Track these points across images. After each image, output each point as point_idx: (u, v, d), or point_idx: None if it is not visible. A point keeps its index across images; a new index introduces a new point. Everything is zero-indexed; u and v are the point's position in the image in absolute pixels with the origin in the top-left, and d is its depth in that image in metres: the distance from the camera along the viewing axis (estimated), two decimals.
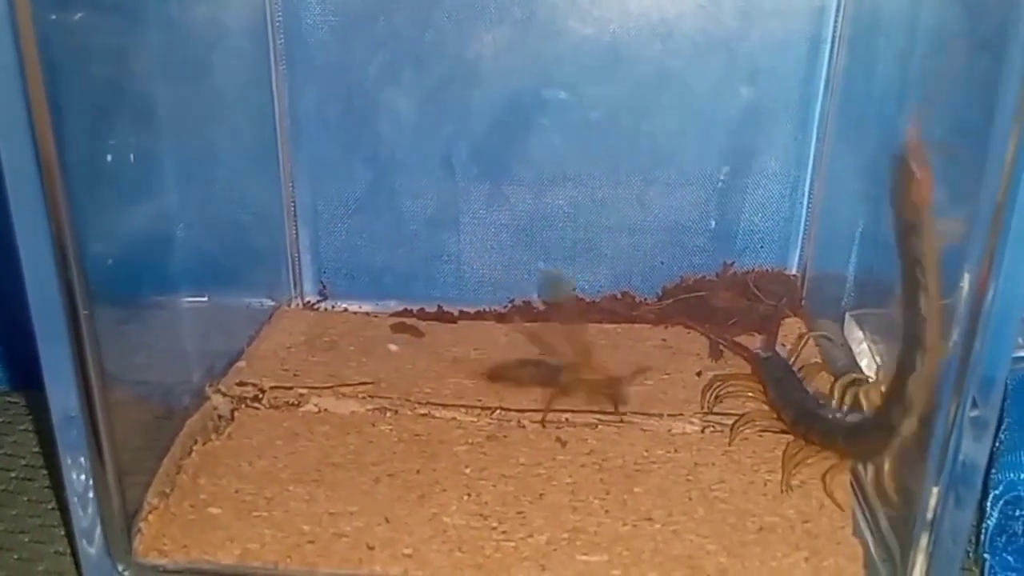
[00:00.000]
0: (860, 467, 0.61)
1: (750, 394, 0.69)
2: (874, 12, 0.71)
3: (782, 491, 0.61)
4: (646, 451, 0.65)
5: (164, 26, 0.65)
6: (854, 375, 0.65)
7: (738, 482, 0.62)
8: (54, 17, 0.48)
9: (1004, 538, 0.57)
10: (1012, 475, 0.58)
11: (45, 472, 0.70)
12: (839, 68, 0.75)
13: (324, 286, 0.87)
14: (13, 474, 0.70)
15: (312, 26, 0.78)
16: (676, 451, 0.65)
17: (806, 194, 0.81)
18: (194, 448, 0.65)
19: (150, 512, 0.58)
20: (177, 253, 0.67)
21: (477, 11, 0.75)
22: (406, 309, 0.86)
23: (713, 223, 0.82)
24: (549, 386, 0.69)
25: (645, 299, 0.85)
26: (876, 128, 0.69)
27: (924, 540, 0.52)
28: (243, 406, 0.71)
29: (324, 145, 0.83)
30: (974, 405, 0.48)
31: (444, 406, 0.70)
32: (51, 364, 0.51)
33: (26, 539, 0.63)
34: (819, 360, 0.74)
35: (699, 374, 0.75)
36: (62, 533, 0.63)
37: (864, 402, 0.61)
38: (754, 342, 0.77)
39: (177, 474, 0.62)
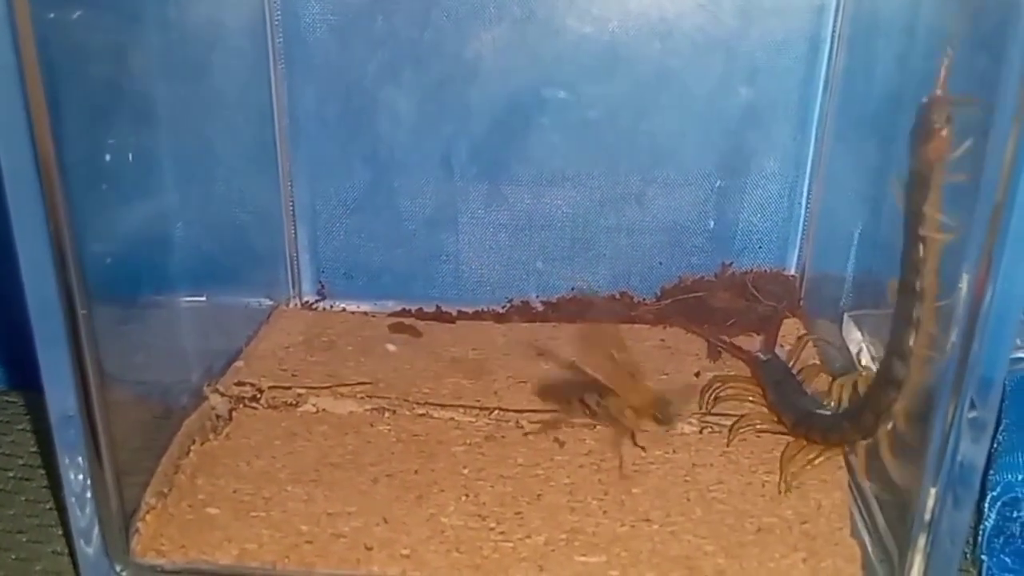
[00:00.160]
0: (859, 468, 0.61)
1: (749, 396, 0.69)
2: (873, 12, 0.71)
3: (780, 492, 0.61)
4: (644, 451, 0.65)
5: (162, 25, 0.65)
6: (851, 374, 0.65)
7: (736, 483, 0.62)
8: (52, 16, 0.48)
9: (1002, 539, 0.57)
10: (1010, 476, 0.58)
11: (43, 472, 0.70)
12: (838, 68, 0.75)
13: (322, 286, 0.87)
14: (11, 474, 0.70)
15: (311, 25, 0.78)
16: (674, 452, 0.65)
17: (805, 194, 0.81)
18: (192, 448, 0.65)
19: (148, 512, 0.58)
20: (175, 253, 0.67)
21: (476, 10, 0.75)
22: (404, 309, 0.86)
23: (712, 223, 0.82)
24: (592, 411, 0.65)
25: (644, 299, 0.85)
26: (875, 128, 0.69)
27: (922, 541, 0.52)
28: (241, 406, 0.70)
29: (323, 144, 0.83)
30: (972, 406, 0.48)
31: (442, 406, 0.70)
32: (49, 364, 0.51)
33: (24, 539, 0.63)
34: (818, 361, 0.74)
35: (697, 375, 0.75)
36: (60, 533, 0.63)
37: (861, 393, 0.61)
38: (753, 342, 0.78)
39: (175, 474, 0.62)
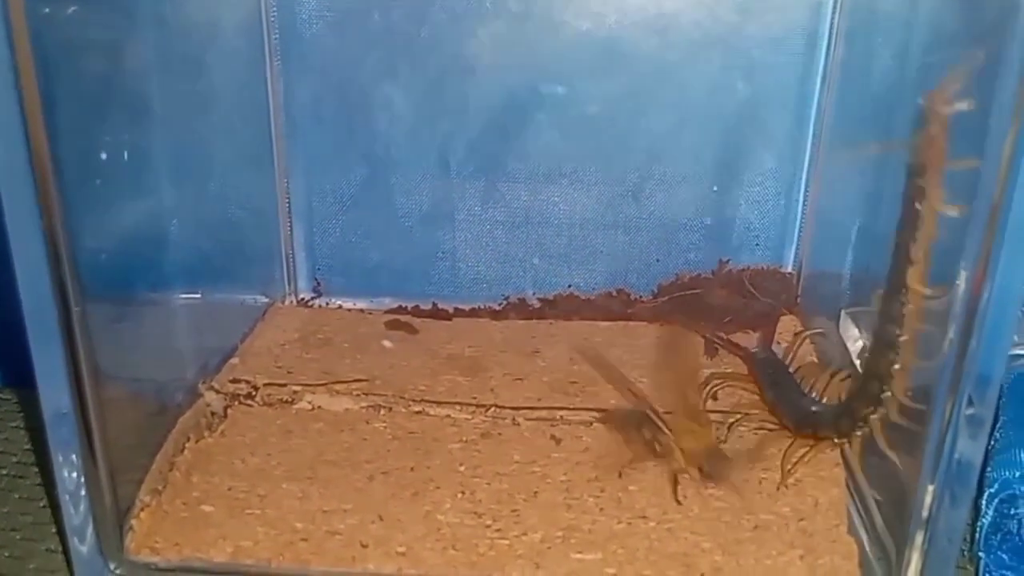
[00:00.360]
0: (856, 466, 0.61)
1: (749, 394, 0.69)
2: (871, 6, 0.71)
3: (777, 489, 0.60)
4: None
5: (158, 21, 0.64)
6: (846, 369, 0.65)
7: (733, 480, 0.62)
8: (47, 11, 0.48)
9: (999, 536, 0.57)
10: (1007, 473, 0.58)
11: (36, 469, 0.69)
12: (836, 63, 0.75)
13: (318, 283, 0.87)
14: (4, 471, 0.70)
15: (307, 21, 0.78)
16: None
17: (802, 191, 0.80)
18: (187, 445, 0.65)
19: (142, 510, 0.58)
20: (171, 249, 0.67)
21: (473, 6, 0.75)
22: (401, 306, 0.85)
23: (709, 220, 0.82)
24: (648, 447, 0.62)
25: (641, 297, 0.85)
26: (874, 124, 0.69)
27: (919, 538, 0.52)
28: (236, 403, 0.70)
29: (319, 141, 0.82)
30: (970, 403, 0.48)
31: (438, 403, 0.70)
32: (43, 360, 0.50)
33: (17, 536, 0.63)
34: (815, 358, 0.73)
35: None
36: (54, 531, 0.63)
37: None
38: (749, 340, 0.77)
39: (170, 471, 0.62)
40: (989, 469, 0.58)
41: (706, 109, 0.78)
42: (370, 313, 0.85)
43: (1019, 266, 0.46)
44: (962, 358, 0.48)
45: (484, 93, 0.79)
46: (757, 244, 0.83)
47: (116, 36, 0.59)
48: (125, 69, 0.60)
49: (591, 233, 0.83)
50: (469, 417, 0.69)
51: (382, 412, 0.69)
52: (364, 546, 0.56)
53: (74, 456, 0.53)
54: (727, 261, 0.83)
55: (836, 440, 0.61)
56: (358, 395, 0.71)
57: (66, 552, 0.57)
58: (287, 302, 0.87)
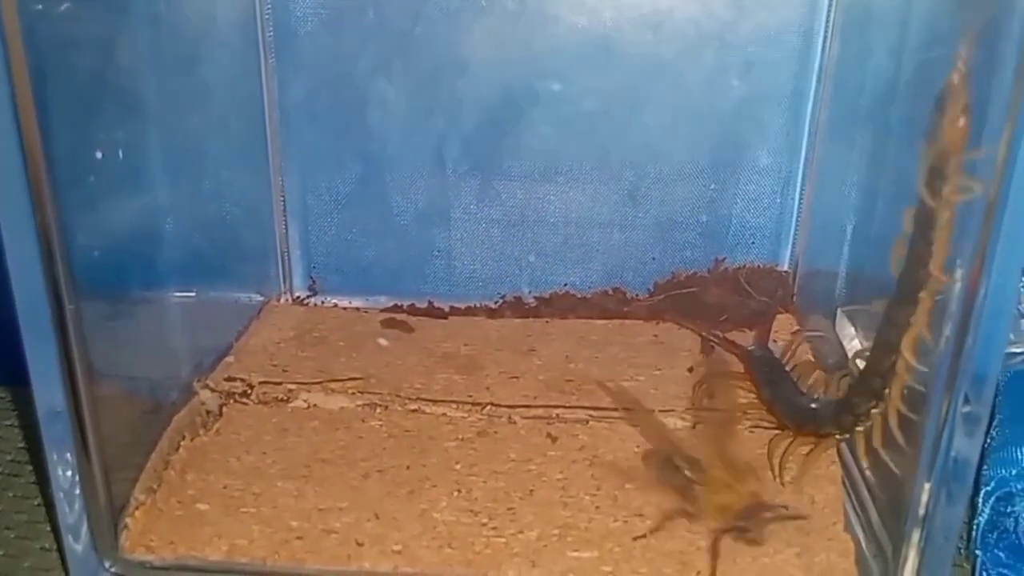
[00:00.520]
0: (853, 463, 0.61)
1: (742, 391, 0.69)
2: (867, 2, 0.71)
3: (774, 478, 0.60)
4: (637, 447, 0.65)
5: (152, 18, 0.64)
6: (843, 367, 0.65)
7: None
8: (40, 8, 0.47)
9: (996, 534, 0.57)
10: (1004, 471, 0.58)
11: (31, 468, 0.69)
12: (832, 60, 0.75)
13: (314, 281, 0.87)
14: None
15: (301, 18, 0.78)
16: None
17: (798, 189, 0.80)
18: (182, 444, 0.64)
19: (137, 508, 0.58)
20: (165, 248, 0.67)
21: (467, 3, 0.75)
22: (396, 304, 0.85)
23: (704, 218, 0.82)
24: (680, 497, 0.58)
25: (637, 295, 0.85)
26: (870, 122, 0.69)
27: (916, 536, 0.52)
28: (231, 401, 0.70)
29: (314, 139, 0.82)
30: (966, 401, 0.48)
31: (434, 402, 0.70)
32: (37, 359, 0.50)
33: (12, 535, 0.63)
34: (811, 357, 0.73)
35: (690, 370, 0.74)
36: (48, 529, 0.62)
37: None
38: (745, 338, 0.77)
39: (164, 470, 0.62)
40: (985, 467, 0.58)
41: (702, 106, 0.78)
42: (366, 311, 0.85)
43: (1015, 264, 0.46)
44: (958, 356, 0.48)
45: (479, 90, 0.79)
46: (753, 242, 0.83)
47: (110, 33, 0.58)
48: (119, 66, 0.60)
49: (587, 231, 0.83)
50: (465, 415, 0.69)
51: (378, 410, 0.69)
52: (360, 544, 0.56)
53: (68, 454, 0.52)
54: (723, 259, 0.83)
55: (838, 436, 0.61)
56: (354, 393, 0.71)
57: (61, 550, 0.57)
58: (282, 300, 0.87)
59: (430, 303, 0.85)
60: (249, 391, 0.71)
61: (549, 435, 0.66)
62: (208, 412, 0.69)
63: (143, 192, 0.64)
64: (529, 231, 0.84)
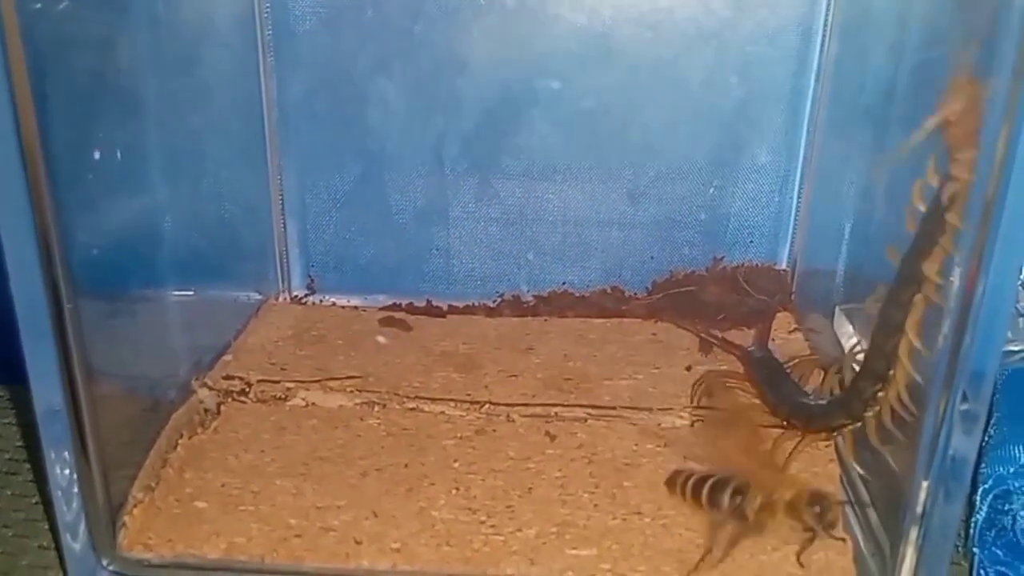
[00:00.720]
0: (851, 460, 0.61)
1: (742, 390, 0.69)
2: (865, 1, 0.71)
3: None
4: (635, 445, 0.65)
5: (151, 17, 0.64)
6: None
7: None
8: (38, 7, 0.47)
9: (993, 532, 0.57)
10: (1001, 469, 0.58)
11: (29, 466, 0.69)
12: (830, 59, 0.75)
13: (312, 280, 0.87)
14: None
15: (300, 17, 0.78)
16: (666, 445, 0.65)
17: (796, 188, 0.80)
18: (180, 442, 0.64)
19: (135, 506, 0.58)
20: (164, 246, 0.67)
21: (467, 1, 0.75)
22: (395, 303, 0.85)
23: (703, 216, 0.82)
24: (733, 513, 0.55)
25: (635, 293, 0.85)
26: (868, 121, 0.69)
27: (914, 534, 0.52)
28: (230, 400, 0.70)
29: (312, 138, 0.82)
30: (964, 399, 0.48)
31: (432, 400, 0.70)
32: (35, 358, 0.50)
33: (10, 533, 0.63)
34: (811, 355, 0.74)
35: (689, 369, 0.74)
36: (46, 527, 0.62)
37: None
38: (744, 337, 0.77)
39: (162, 468, 0.62)
40: (983, 465, 0.58)
41: (700, 105, 0.78)
42: (364, 310, 0.85)
43: (1013, 262, 0.46)
44: (956, 354, 0.48)
45: (478, 89, 0.79)
46: (751, 241, 0.83)
47: (108, 32, 0.58)
48: (117, 65, 0.60)
49: (585, 230, 0.83)
50: (463, 414, 0.69)
51: (376, 409, 0.69)
52: (358, 542, 0.56)
53: (67, 453, 0.52)
54: (721, 258, 0.83)
55: (850, 425, 0.60)
56: (352, 392, 0.71)
57: (59, 549, 0.57)
58: (281, 299, 0.87)
59: (428, 302, 0.85)
60: (247, 389, 0.71)
61: (547, 433, 0.66)
62: (206, 410, 0.69)
63: (142, 191, 0.64)
64: (528, 230, 0.84)
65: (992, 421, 0.60)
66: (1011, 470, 0.57)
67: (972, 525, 0.58)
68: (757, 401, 0.68)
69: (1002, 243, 0.45)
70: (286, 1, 0.77)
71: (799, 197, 0.81)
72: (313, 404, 0.70)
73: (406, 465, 0.63)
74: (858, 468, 0.61)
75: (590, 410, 0.68)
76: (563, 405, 0.69)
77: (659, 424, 0.67)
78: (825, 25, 0.74)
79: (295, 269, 0.87)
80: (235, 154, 0.80)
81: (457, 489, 0.60)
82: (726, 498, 0.55)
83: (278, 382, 0.71)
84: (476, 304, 0.85)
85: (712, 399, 0.69)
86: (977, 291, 0.46)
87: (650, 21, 0.74)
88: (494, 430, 0.67)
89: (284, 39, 0.78)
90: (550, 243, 0.84)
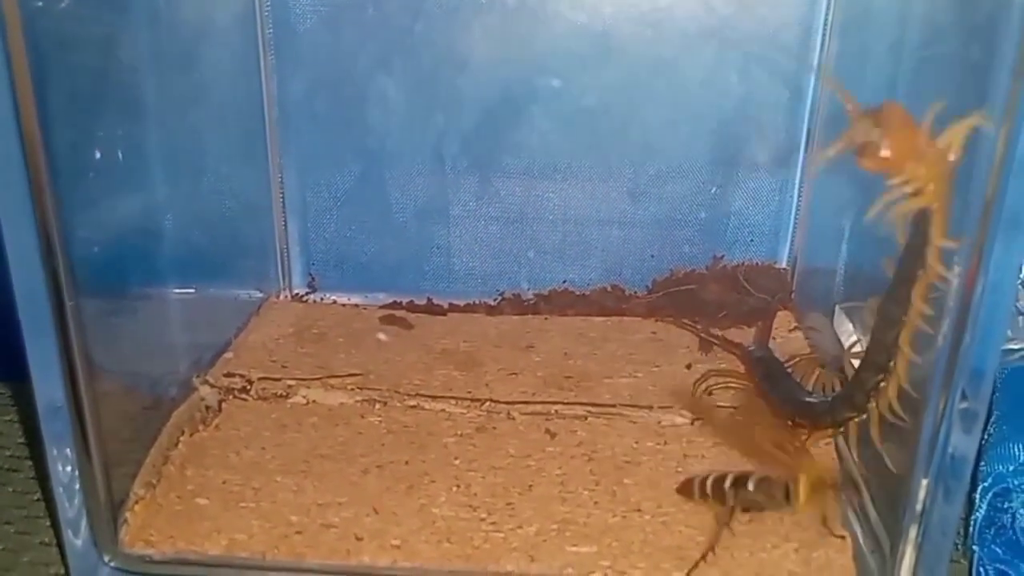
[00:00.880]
0: (851, 459, 0.62)
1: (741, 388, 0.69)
2: (866, 0, 0.71)
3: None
4: (636, 443, 0.65)
5: (152, 15, 0.64)
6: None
7: None
8: (40, 5, 0.47)
9: (993, 530, 0.57)
10: (1001, 467, 0.58)
11: (31, 463, 0.69)
12: (830, 57, 0.75)
13: (313, 278, 0.87)
14: None
15: (301, 16, 0.78)
16: (666, 443, 0.65)
17: (796, 186, 0.81)
18: (181, 439, 0.65)
19: (136, 503, 0.58)
20: (165, 244, 0.67)
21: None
22: (395, 301, 0.85)
23: (703, 215, 0.82)
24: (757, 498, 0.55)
25: (635, 292, 0.85)
26: None
27: (913, 532, 0.52)
28: (231, 397, 0.70)
29: (313, 136, 0.82)
30: (963, 397, 0.48)
31: (433, 398, 0.70)
32: (37, 354, 0.50)
33: (11, 530, 0.63)
34: (811, 354, 0.74)
35: (689, 367, 0.75)
36: (48, 524, 0.63)
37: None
38: (744, 335, 0.78)
39: (164, 465, 0.62)
40: (983, 463, 0.58)
41: (701, 104, 0.78)
42: (365, 308, 0.85)
43: (1012, 260, 0.46)
44: (956, 352, 0.48)
45: (479, 87, 0.79)
46: (752, 240, 0.83)
47: (110, 30, 0.58)
48: (119, 63, 0.60)
49: (586, 228, 0.83)
50: (464, 411, 0.69)
51: (377, 406, 0.69)
52: (359, 539, 0.56)
53: (68, 449, 0.52)
54: (721, 257, 0.83)
55: (855, 417, 0.60)
56: (353, 389, 0.71)
57: (60, 545, 0.57)
58: (281, 297, 0.87)
59: (429, 300, 0.85)
60: (248, 387, 0.71)
61: (548, 431, 0.66)
62: (207, 408, 0.69)
63: (143, 188, 0.64)
64: (528, 228, 0.84)
65: (992, 419, 0.60)
66: (1010, 468, 0.58)
67: (972, 523, 0.58)
68: (758, 399, 0.68)
69: (1001, 240, 0.45)
70: (287, 0, 0.77)
71: (799, 195, 0.81)
72: (314, 401, 0.70)
73: (407, 462, 0.63)
74: (859, 465, 0.61)
75: (590, 408, 0.69)
76: (563, 403, 0.69)
77: (659, 422, 0.67)
78: (825, 23, 0.74)
79: (296, 267, 0.87)
80: (236, 152, 0.80)
81: (458, 486, 0.60)
82: (751, 488, 0.55)
83: (279, 379, 0.72)
84: (477, 302, 0.85)
85: (710, 399, 0.69)
86: (976, 289, 0.46)
87: (650, 19, 0.74)
88: (494, 428, 0.67)
89: (285, 37, 0.78)
90: (550, 241, 0.84)
